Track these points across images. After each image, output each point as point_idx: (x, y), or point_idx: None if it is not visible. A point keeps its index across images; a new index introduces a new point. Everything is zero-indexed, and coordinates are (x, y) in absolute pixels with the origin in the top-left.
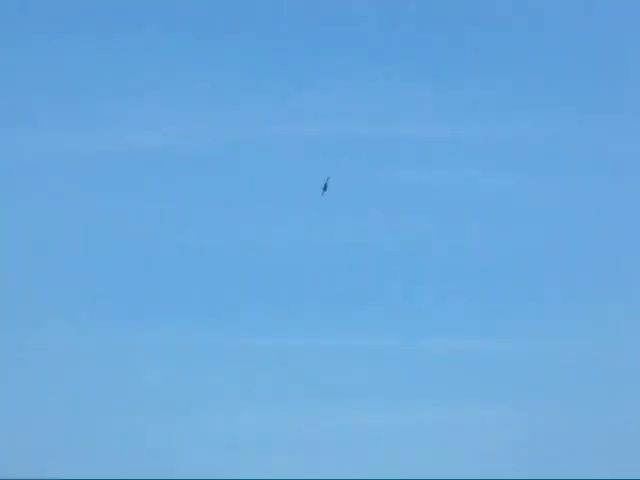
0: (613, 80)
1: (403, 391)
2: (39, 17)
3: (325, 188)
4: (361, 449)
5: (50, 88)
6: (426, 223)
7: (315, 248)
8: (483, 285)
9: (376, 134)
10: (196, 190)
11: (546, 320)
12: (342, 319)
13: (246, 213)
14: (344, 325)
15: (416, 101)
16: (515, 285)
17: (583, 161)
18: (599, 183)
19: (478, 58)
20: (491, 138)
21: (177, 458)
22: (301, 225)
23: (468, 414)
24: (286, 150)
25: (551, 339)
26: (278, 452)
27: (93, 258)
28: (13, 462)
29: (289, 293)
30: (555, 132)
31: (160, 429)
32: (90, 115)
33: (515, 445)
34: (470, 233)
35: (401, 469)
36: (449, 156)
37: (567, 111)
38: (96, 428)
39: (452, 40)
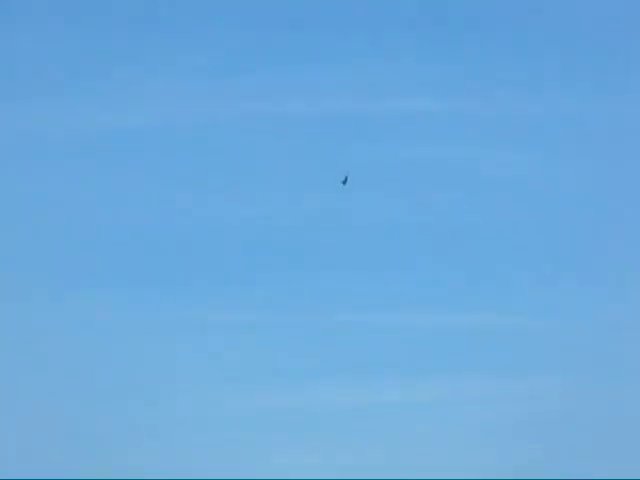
0: (595, 56)
1: (398, 366)
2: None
3: (345, 182)
4: (359, 425)
5: (33, 68)
6: (422, 197)
7: (303, 222)
8: (480, 260)
9: (368, 110)
10: (186, 164)
11: (546, 295)
12: (334, 294)
13: (232, 189)
14: (333, 300)
15: (403, 76)
16: (514, 260)
17: (570, 135)
18: (583, 155)
19: (470, 34)
20: (485, 113)
21: (153, 433)
22: (290, 200)
23: (470, 388)
24: (268, 127)
25: (551, 314)
26: (268, 429)
27: (69, 234)
28: None
29: (275, 268)
30: (543, 107)
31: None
32: (74, 94)
33: (515, 418)
34: (467, 206)
35: (403, 444)
36: (445, 131)
37: (554, 86)
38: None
39: (444, 17)
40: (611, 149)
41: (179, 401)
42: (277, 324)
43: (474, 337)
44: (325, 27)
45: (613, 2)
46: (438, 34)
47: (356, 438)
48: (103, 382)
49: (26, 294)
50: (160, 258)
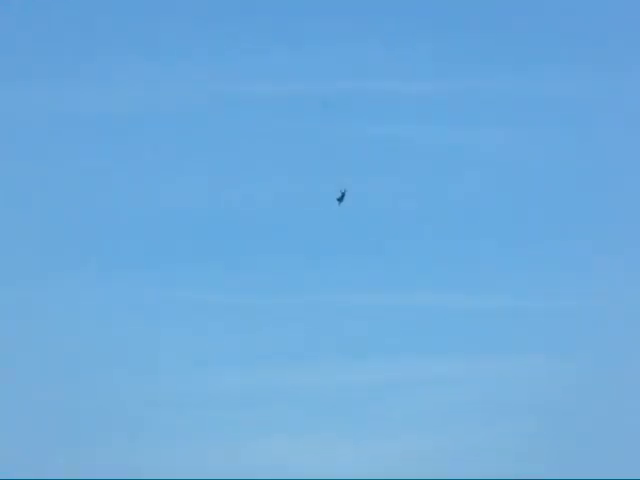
0: (591, 35)
1: (410, 346)
2: None
3: (341, 199)
4: (366, 404)
5: (34, 45)
6: (420, 178)
7: (300, 204)
8: (480, 240)
9: (355, 90)
10: (175, 147)
11: (546, 276)
12: (341, 274)
13: (230, 171)
14: (342, 281)
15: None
16: (513, 239)
17: (565, 115)
18: (579, 135)
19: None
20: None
21: (153, 413)
22: (284, 182)
23: (479, 367)
24: (258, 108)
25: (556, 294)
26: (267, 406)
27: (71, 215)
28: None
29: (276, 250)
30: (536, 85)
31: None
32: (76, 74)
33: (528, 396)
34: (465, 186)
35: (407, 423)
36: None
37: (539, 64)
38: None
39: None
40: (606, 130)
41: (166, 380)
42: (276, 306)
43: (477, 318)
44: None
45: None
46: (429, 15)
47: (357, 418)
48: (92, 361)
49: (13, 275)
50: (151, 239)
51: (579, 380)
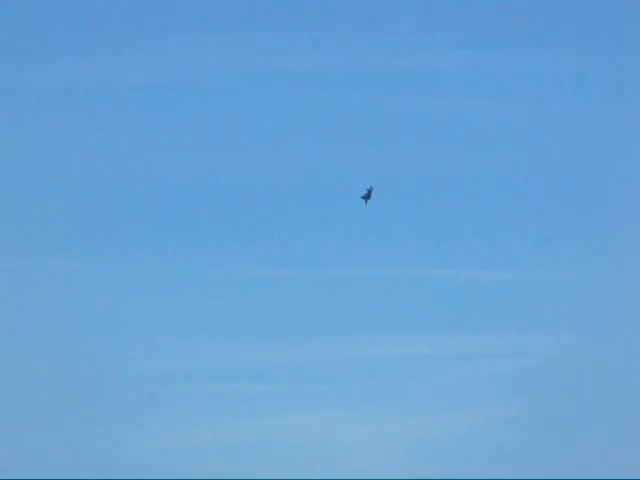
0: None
1: (412, 321)
2: None
3: (367, 197)
4: (375, 380)
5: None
6: (438, 152)
7: (317, 179)
8: (493, 214)
9: (379, 66)
10: (206, 120)
11: (554, 249)
12: (364, 249)
13: (251, 145)
14: (348, 256)
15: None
16: (528, 215)
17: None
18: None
19: None
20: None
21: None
22: (308, 156)
23: (481, 344)
24: (288, 83)
25: (561, 268)
26: (272, 382)
27: (93, 188)
28: None
29: (291, 224)
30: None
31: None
32: (113, 49)
33: (531, 371)
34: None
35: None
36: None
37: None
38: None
39: None
40: (611, 104)
41: (177, 352)
42: (291, 280)
43: (488, 292)
44: None
45: None
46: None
47: (376, 393)
48: (105, 333)
49: (30, 247)
50: (171, 213)
51: (606, 356)
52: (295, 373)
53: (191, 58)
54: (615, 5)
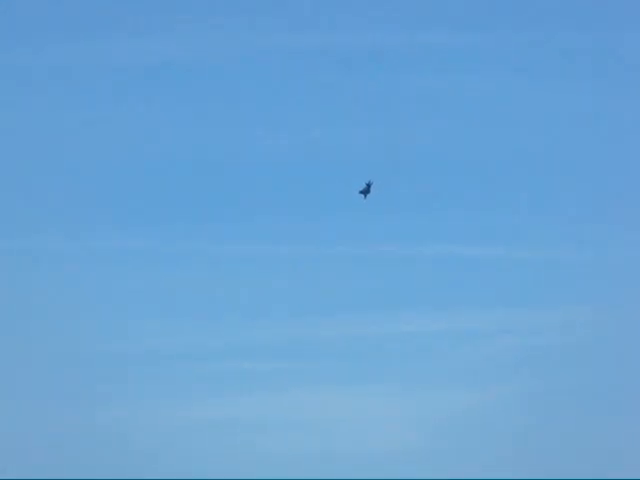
0: None
1: (427, 298)
2: None
3: (366, 192)
4: (380, 356)
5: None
6: (441, 128)
7: (322, 155)
8: (513, 191)
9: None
10: (211, 97)
11: (578, 229)
12: (387, 226)
13: (262, 120)
14: (384, 232)
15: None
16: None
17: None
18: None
19: None
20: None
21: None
22: (315, 133)
23: (500, 320)
24: (285, 61)
25: (582, 247)
26: (277, 360)
27: (104, 165)
28: None
29: (291, 201)
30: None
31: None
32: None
33: (548, 348)
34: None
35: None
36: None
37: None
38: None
39: None
40: (612, 81)
41: (176, 331)
42: (312, 257)
43: (505, 269)
44: None
45: None
46: None
47: (398, 370)
48: (101, 311)
49: (36, 226)
50: (178, 189)
51: (619, 331)
52: (303, 351)
53: (203, 37)
54: None
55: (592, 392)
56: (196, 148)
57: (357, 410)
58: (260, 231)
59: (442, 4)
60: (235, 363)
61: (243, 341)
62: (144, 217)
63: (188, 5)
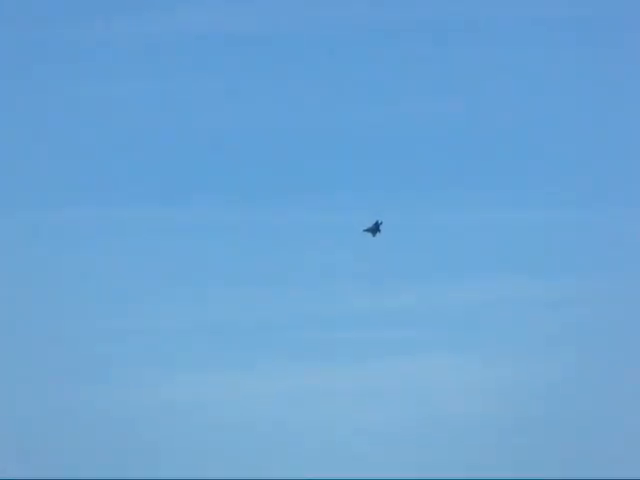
0: None
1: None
2: None
3: (375, 230)
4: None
5: None
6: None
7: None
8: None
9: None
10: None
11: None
12: (445, 194)
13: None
14: (443, 201)
15: None
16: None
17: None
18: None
19: None
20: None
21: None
22: (333, 109)
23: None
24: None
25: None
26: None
27: (142, 134)
28: None
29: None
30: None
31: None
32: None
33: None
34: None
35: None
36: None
37: None
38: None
39: None
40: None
41: (181, 301)
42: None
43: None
44: None
45: None
46: None
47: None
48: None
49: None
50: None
51: None
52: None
53: (288, 9)
54: None
55: None
56: (285, 120)
57: (446, 377)
58: (356, 202)
59: None
60: (332, 333)
61: (352, 309)
62: (242, 189)
63: None
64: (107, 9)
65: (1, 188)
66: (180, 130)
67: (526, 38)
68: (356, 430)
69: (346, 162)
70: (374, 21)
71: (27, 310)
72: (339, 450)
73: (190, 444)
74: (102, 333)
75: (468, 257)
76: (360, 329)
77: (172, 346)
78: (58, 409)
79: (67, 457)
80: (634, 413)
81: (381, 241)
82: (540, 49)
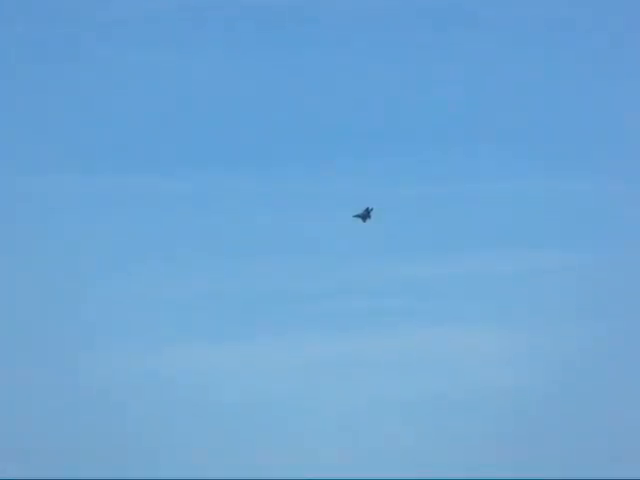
0: None
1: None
2: None
3: (365, 216)
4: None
5: None
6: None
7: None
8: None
9: None
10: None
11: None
12: (473, 164)
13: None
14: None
15: None
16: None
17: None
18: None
19: None
20: None
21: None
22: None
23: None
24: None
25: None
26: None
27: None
28: None
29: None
30: None
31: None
32: None
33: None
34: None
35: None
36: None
37: None
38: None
39: None
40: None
41: (186, 273)
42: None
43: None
44: None
45: None
46: None
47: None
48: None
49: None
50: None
51: None
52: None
53: None
54: None
55: None
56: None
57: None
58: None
59: None
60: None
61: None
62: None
63: None
64: None
65: None
66: (171, 99)
67: (527, 27)
68: (372, 402)
69: (342, 146)
70: (375, 7)
71: (10, 278)
72: (358, 422)
73: (182, 419)
74: (89, 300)
75: (494, 228)
76: (373, 297)
77: (167, 316)
78: (41, 376)
79: (51, 429)
80: None
81: (399, 212)
82: (541, 38)
